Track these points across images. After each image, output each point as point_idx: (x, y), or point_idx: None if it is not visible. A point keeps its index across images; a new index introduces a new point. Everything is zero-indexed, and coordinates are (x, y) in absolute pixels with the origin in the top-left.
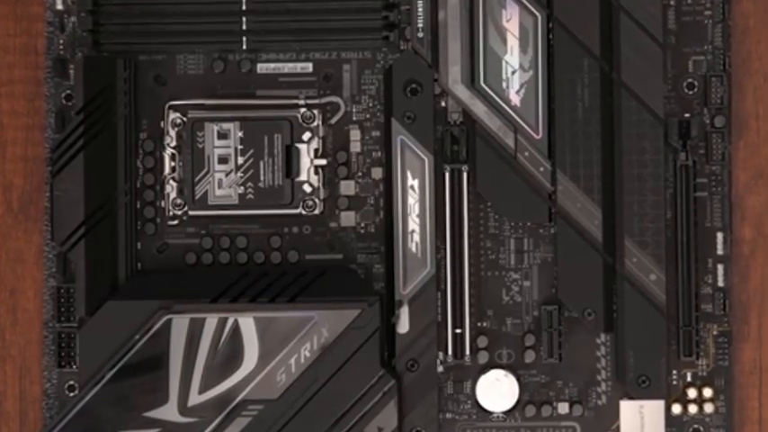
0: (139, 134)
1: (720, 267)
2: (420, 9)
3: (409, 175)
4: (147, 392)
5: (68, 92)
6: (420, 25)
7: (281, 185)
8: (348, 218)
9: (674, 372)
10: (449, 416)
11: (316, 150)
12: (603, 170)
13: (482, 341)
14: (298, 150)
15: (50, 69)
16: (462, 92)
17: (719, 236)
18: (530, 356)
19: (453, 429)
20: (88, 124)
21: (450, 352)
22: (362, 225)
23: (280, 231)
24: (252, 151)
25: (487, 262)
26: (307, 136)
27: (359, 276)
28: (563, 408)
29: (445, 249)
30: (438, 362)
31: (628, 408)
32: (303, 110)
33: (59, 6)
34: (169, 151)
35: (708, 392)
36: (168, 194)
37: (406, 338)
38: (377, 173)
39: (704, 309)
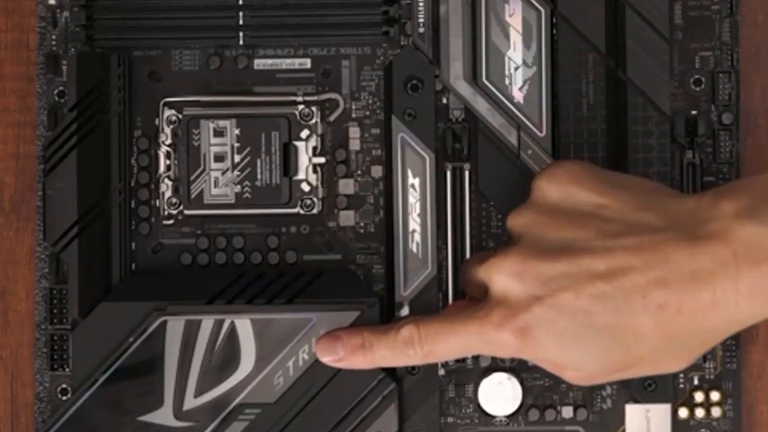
0: (134, 131)
1: None
2: (421, 4)
3: (410, 173)
4: (142, 396)
5: (61, 88)
6: (421, 20)
7: (278, 184)
8: (347, 217)
9: (681, 375)
10: (450, 420)
11: (314, 148)
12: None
13: None
14: (295, 148)
15: (42, 65)
16: (464, 88)
17: None
18: None
19: None
20: (81, 121)
21: None
22: (362, 225)
23: (277, 231)
24: (249, 149)
25: None
26: (305, 133)
27: (358, 277)
28: (567, 412)
29: (447, 250)
30: (439, 365)
31: (633, 412)
32: (301, 107)
33: (52, 1)
34: (164, 149)
35: (715, 396)
36: (163, 193)
37: None
38: (377, 171)
39: None
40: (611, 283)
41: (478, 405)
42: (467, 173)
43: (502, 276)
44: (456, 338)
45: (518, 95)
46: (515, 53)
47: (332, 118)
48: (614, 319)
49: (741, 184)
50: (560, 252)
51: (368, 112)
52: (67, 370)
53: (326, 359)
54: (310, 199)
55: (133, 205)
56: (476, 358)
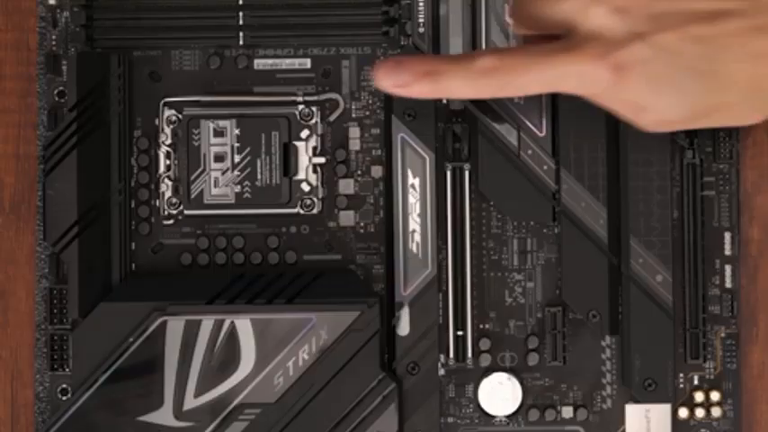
0: (134, 132)
1: (728, 268)
2: (421, 4)
3: (410, 173)
4: (142, 396)
5: (61, 88)
6: (421, 20)
7: (278, 184)
8: (347, 217)
9: (681, 375)
10: (450, 420)
11: (314, 148)
12: (609, 169)
13: (484, 344)
14: (296, 148)
15: (43, 65)
16: None
17: (727, 236)
18: (533, 359)
19: None
20: (81, 121)
21: (451, 355)
22: (362, 225)
23: (277, 231)
24: (249, 149)
25: (490, 263)
26: (305, 133)
27: (358, 277)
28: (567, 412)
29: (447, 250)
30: (439, 365)
31: (633, 412)
32: (301, 107)
33: (52, 1)
34: (164, 149)
35: (715, 396)
36: (163, 193)
37: (407, 341)
38: (376, 171)
39: (711, 311)
40: (714, 25)
41: (478, 405)
42: (467, 173)
43: (603, 10)
44: (539, 71)
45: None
46: None
47: (332, 118)
48: (712, 65)
49: None
50: None
51: (368, 112)
52: (67, 370)
53: (386, 83)
54: (310, 199)
55: (133, 205)
56: (476, 358)
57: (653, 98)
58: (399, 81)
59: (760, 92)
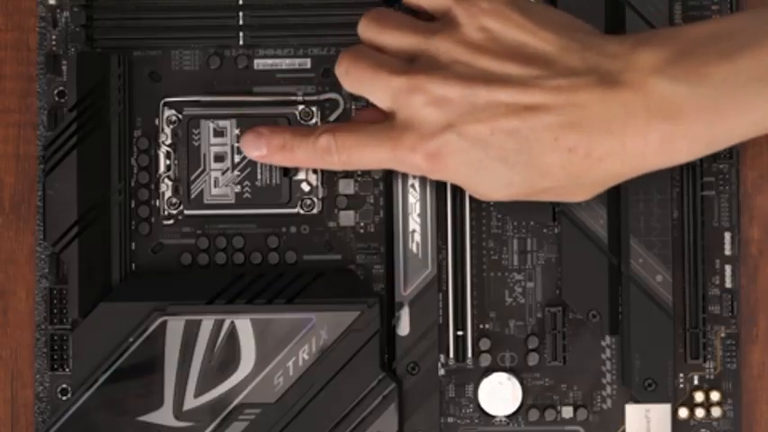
0: (134, 132)
1: (728, 268)
2: None
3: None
4: (142, 396)
5: (61, 88)
6: None
7: (278, 184)
8: (347, 217)
9: (681, 375)
10: (450, 420)
11: None
12: None
13: (484, 344)
14: None
15: (43, 65)
16: None
17: (727, 236)
18: (533, 359)
19: None
20: (81, 121)
21: (451, 355)
22: (362, 225)
23: (277, 231)
24: None
25: (490, 263)
26: None
27: (358, 277)
28: (567, 412)
29: (447, 250)
30: (439, 365)
31: (633, 412)
32: (301, 107)
33: (52, 1)
34: (164, 149)
35: (715, 396)
36: (163, 193)
37: (407, 341)
38: (377, 171)
39: (711, 310)
40: (525, 120)
41: (478, 405)
42: None
43: (421, 100)
44: (370, 154)
45: None
46: None
47: (332, 118)
48: (524, 157)
49: (665, 34)
50: (482, 83)
51: None
52: (67, 370)
53: (252, 155)
54: (310, 199)
55: (133, 205)
56: (476, 358)
57: (472, 181)
58: (261, 153)
59: (576, 179)
